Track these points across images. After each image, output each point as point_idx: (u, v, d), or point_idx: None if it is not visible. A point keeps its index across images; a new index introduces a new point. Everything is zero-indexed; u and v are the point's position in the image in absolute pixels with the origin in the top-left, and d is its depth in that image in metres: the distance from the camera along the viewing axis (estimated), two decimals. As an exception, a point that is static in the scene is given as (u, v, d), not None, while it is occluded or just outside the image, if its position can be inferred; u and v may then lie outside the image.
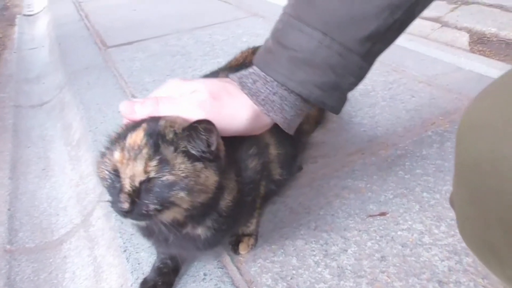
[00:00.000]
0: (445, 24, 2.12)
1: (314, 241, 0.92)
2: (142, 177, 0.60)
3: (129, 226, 0.96)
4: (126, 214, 0.60)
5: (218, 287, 0.83)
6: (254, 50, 1.06)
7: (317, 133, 1.26)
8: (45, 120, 1.76)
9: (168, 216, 0.64)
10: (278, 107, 0.69)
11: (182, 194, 0.61)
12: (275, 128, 0.76)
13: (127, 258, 0.92)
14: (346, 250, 0.89)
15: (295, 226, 0.96)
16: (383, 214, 0.97)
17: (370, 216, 0.97)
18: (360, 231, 0.94)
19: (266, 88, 0.68)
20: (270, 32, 0.72)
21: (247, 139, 0.77)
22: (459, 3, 2.27)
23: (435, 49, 1.86)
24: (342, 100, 0.72)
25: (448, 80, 1.55)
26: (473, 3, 2.24)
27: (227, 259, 0.89)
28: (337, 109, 0.73)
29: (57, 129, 1.66)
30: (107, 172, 0.62)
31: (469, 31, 2.02)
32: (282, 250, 0.90)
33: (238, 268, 0.87)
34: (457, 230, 0.89)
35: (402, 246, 0.89)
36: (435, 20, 2.17)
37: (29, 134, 1.66)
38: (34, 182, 1.38)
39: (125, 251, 0.93)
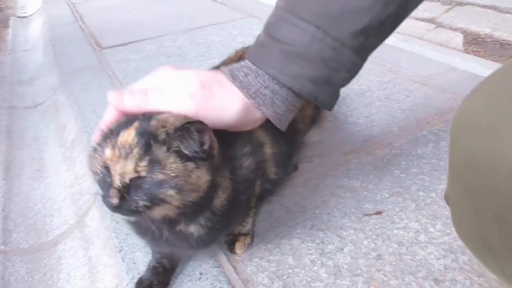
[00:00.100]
0: (439, 25, 2.13)
1: (310, 240, 0.92)
2: (132, 175, 0.60)
3: (124, 226, 0.95)
4: (115, 209, 0.61)
5: (214, 286, 0.83)
6: (249, 49, 1.06)
7: (313, 133, 1.26)
8: (39, 122, 1.75)
9: (159, 212, 0.64)
10: (269, 101, 0.68)
11: (171, 192, 0.61)
12: (270, 127, 0.76)
13: (122, 258, 0.91)
14: (342, 249, 0.89)
15: (291, 225, 0.96)
16: (379, 213, 0.97)
17: (366, 215, 0.97)
18: (356, 229, 0.93)
19: (258, 81, 0.68)
20: (263, 26, 0.72)
21: (241, 138, 0.77)
22: (453, 4, 2.28)
23: (429, 49, 1.87)
24: (335, 95, 0.72)
25: (443, 80, 1.56)
26: (467, 4, 2.25)
27: (223, 258, 0.89)
28: (329, 105, 0.72)
29: (51, 130, 1.65)
30: (98, 167, 0.62)
31: (463, 31, 2.03)
32: (278, 249, 0.90)
33: (234, 267, 0.87)
34: (452, 229, 0.90)
35: (398, 245, 0.89)
36: (430, 20, 2.18)
37: (23, 135, 1.65)
38: (28, 183, 1.37)
39: (120, 251, 0.93)
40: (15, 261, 1.06)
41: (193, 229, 0.71)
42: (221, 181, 0.71)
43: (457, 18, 2.14)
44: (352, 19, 0.64)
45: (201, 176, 0.64)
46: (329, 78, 0.68)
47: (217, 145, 0.67)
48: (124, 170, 0.60)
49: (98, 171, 0.62)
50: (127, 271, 0.88)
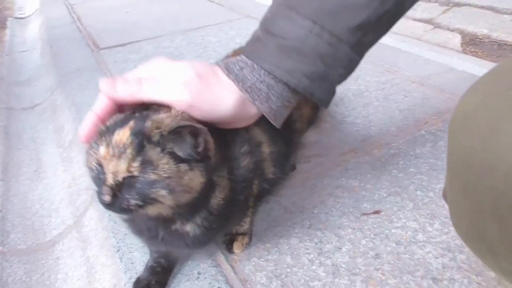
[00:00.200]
0: (437, 26, 2.14)
1: (309, 239, 0.92)
2: (124, 174, 0.60)
3: (122, 226, 0.95)
4: (107, 206, 0.61)
5: (212, 286, 0.83)
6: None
7: (311, 133, 1.26)
8: (36, 122, 1.75)
9: (152, 211, 0.64)
10: (264, 96, 0.67)
11: (163, 192, 0.61)
12: (268, 126, 0.75)
13: (120, 258, 0.91)
14: (341, 248, 0.89)
15: (289, 224, 0.96)
16: (377, 212, 0.97)
17: (364, 214, 0.97)
18: (354, 229, 0.93)
19: (253, 75, 0.67)
20: (259, 22, 0.71)
21: (240, 137, 0.76)
22: (451, 5, 2.29)
23: (427, 50, 1.87)
24: (331, 93, 0.71)
25: (440, 81, 1.56)
26: (465, 5, 2.26)
27: (221, 257, 0.89)
28: (325, 102, 0.71)
29: (49, 131, 1.65)
30: (94, 164, 0.62)
31: (461, 32, 2.04)
32: (277, 249, 0.90)
33: (232, 267, 0.87)
34: (450, 228, 0.90)
35: (396, 244, 0.89)
36: (428, 21, 2.19)
37: (21, 136, 1.65)
38: (26, 184, 1.36)
39: (118, 250, 0.93)
40: (13, 262, 1.06)
41: (189, 228, 0.71)
42: (219, 181, 0.71)
43: (455, 19, 2.15)
44: (350, 14, 0.63)
45: (195, 178, 0.64)
46: (325, 74, 0.67)
47: (214, 146, 0.67)
48: (117, 169, 0.60)
49: (93, 167, 0.63)
50: (125, 271, 0.88)
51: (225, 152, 0.73)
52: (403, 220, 0.94)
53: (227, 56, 1.06)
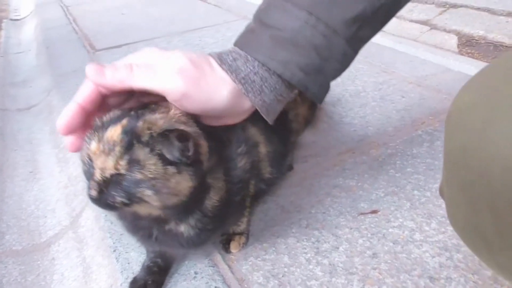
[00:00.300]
0: (433, 27, 2.14)
1: (306, 239, 0.92)
2: (112, 171, 0.60)
3: (118, 226, 0.94)
4: (93, 201, 0.62)
5: (209, 286, 0.82)
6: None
7: (308, 133, 1.26)
8: (32, 123, 1.74)
9: (141, 210, 0.64)
10: (257, 88, 0.65)
11: (149, 192, 0.60)
12: (264, 126, 0.75)
13: (116, 258, 0.91)
14: (338, 248, 0.89)
15: (287, 224, 0.96)
16: (374, 212, 0.97)
17: (362, 214, 0.97)
18: (351, 228, 0.93)
19: (247, 66, 0.65)
20: (253, 15, 0.70)
21: (236, 137, 0.76)
22: (447, 6, 2.29)
23: (424, 51, 1.88)
24: (325, 88, 0.70)
25: (437, 81, 1.56)
26: (461, 6, 2.26)
27: (218, 257, 0.89)
28: (319, 97, 0.70)
29: (44, 132, 1.64)
30: (86, 157, 0.63)
31: (457, 33, 2.04)
32: (274, 248, 0.90)
33: (229, 266, 0.86)
34: (447, 227, 0.90)
35: (393, 243, 0.89)
36: (424, 23, 2.19)
37: (16, 137, 1.65)
38: (21, 185, 1.36)
39: (114, 251, 0.92)
40: (8, 263, 1.05)
41: (183, 229, 0.71)
42: (214, 183, 0.70)
43: (451, 20, 2.15)
44: (345, 6, 0.63)
45: (182, 182, 0.63)
46: (320, 68, 0.66)
47: (207, 150, 0.66)
48: (104, 165, 0.60)
49: (85, 161, 0.63)
50: (122, 271, 0.87)
51: (222, 153, 0.73)
52: (400, 220, 0.94)
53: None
